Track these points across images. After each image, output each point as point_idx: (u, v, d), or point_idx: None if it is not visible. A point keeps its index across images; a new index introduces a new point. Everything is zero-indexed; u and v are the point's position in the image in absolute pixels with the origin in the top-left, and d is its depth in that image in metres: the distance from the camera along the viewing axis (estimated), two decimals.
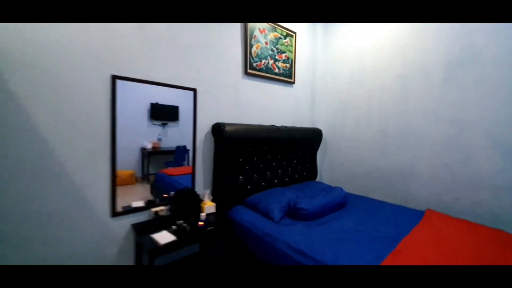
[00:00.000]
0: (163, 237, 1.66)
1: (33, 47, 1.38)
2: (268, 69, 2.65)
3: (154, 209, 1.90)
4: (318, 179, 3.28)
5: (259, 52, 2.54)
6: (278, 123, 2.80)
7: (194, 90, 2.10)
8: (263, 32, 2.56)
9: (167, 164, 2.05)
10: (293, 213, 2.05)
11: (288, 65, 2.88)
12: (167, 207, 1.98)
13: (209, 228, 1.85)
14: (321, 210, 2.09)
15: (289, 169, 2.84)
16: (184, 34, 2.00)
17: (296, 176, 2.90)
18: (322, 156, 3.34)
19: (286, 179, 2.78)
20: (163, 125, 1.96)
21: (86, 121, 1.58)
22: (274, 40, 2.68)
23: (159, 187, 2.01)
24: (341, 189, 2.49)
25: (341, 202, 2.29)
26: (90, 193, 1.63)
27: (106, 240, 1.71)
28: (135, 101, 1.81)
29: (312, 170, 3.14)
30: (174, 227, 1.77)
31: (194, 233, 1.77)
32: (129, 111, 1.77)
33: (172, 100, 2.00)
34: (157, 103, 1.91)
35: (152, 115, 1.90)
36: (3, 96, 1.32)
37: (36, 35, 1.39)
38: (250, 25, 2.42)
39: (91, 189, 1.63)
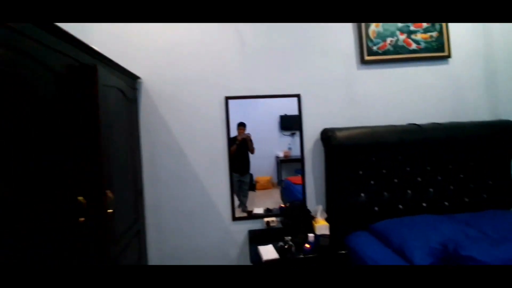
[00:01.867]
0: (267, 252, 1.59)
1: (171, 84, 1.83)
2: (398, 48, 1.94)
3: (266, 219, 1.88)
4: None
5: (381, 30, 1.92)
6: (423, 119, 1.94)
7: (298, 96, 1.92)
8: None
9: (297, 172, 2.04)
10: (453, 262, 1.27)
11: (435, 33, 1.97)
12: (279, 219, 1.88)
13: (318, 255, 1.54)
14: None
15: (451, 187, 1.87)
16: (280, 41, 1.92)
17: (466, 199, 1.86)
18: None
19: (446, 203, 1.84)
20: (292, 134, 2.00)
21: (208, 136, 1.87)
22: None
23: (286, 194, 2.07)
24: None
25: None
26: (215, 197, 1.88)
27: (228, 242, 1.90)
28: (269, 114, 1.98)
29: (501, 190, 1.90)
30: (281, 243, 1.64)
31: (298, 255, 1.54)
32: (263, 124, 1.99)
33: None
34: (285, 115, 1.99)
35: (282, 126, 2.00)
36: (159, 120, 1.82)
37: (175, 74, 1.83)
38: None
39: (215, 193, 1.88)
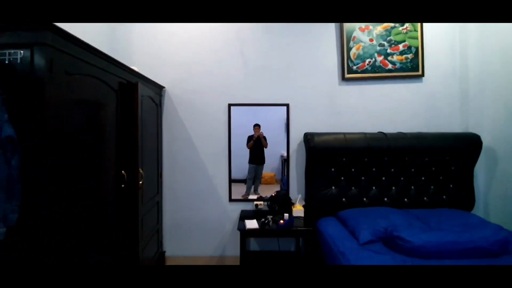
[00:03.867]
0: (250, 223, 2.06)
1: (188, 92, 2.38)
2: (375, 68, 2.30)
3: (256, 202, 2.36)
4: (475, 210, 2.21)
5: (361, 53, 2.29)
6: (397, 129, 2.29)
7: (287, 105, 2.36)
8: (366, 30, 2.28)
9: None
10: (390, 242, 1.65)
11: (410, 55, 2.30)
12: (266, 203, 2.34)
13: (293, 229, 2.01)
14: (438, 249, 1.51)
15: (412, 187, 2.21)
16: (275, 61, 2.37)
17: (425, 198, 2.19)
18: (488, 178, 2.22)
19: (406, 199, 2.19)
20: (287, 132, 2.37)
21: (214, 134, 2.39)
22: (384, 33, 2.28)
23: (282, 187, 2.47)
24: (499, 228, 1.61)
25: (486, 248, 1.48)
26: (217, 182, 2.41)
27: (225, 217, 2.41)
28: (277, 117, 2.38)
29: (461, 194, 2.19)
30: (263, 219, 2.09)
31: (273, 228, 2.00)
32: (271, 126, 2.39)
33: None
34: (286, 117, 2.38)
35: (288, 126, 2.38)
36: (177, 120, 2.38)
37: (190, 85, 2.37)
38: (347, 26, 2.27)
39: (217, 179, 2.41)
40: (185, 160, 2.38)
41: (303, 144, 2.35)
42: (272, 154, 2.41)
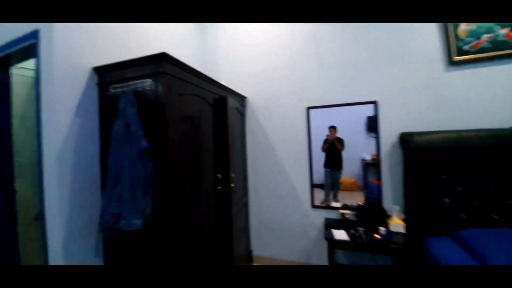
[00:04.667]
0: (339, 234, 1.93)
1: (267, 99, 2.48)
2: (496, 44, 1.78)
3: (342, 211, 2.21)
4: None
5: (473, 29, 1.82)
6: None
7: (374, 103, 2.12)
8: None
9: None
10: None
11: None
12: (354, 212, 2.16)
13: (392, 246, 1.74)
14: None
15: None
16: (354, 54, 2.18)
17: None
18: None
19: None
20: (376, 133, 2.08)
21: (293, 139, 2.39)
22: None
23: (367, 195, 2.19)
24: None
25: None
26: (298, 187, 2.39)
27: (307, 223, 2.36)
28: (355, 116, 2.14)
29: None
30: (352, 231, 1.93)
31: (368, 243, 1.79)
32: (349, 126, 2.16)
33: None
34: (374, 115, 2.08)
35: (369, 127, 2.09)
36: (258, 127, 2.51)
37: (268, 92, 2.47)
38: None
39: (298, 183, 2.38)
40: (268, 164, 2.48)
41: (397, 146, 2.05)
42: (352, 158, 2.18)
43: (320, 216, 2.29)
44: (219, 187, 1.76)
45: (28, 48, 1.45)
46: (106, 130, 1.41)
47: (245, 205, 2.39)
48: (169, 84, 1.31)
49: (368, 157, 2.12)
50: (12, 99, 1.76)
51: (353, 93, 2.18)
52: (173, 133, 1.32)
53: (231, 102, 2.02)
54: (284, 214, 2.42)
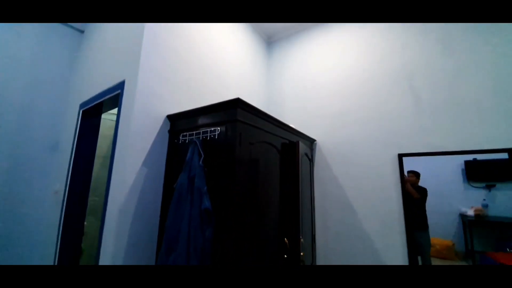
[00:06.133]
0: None
1: (341, 144, 2.10)
2: None
3: None
4: None
5: None
6: None
7: (510, 151, 1.51)
8: None
9: (501, 244, 1.45)
10: None
11: None
12: None
13: None
14: None
15: None
16: (467, 91, 1.66)
17: None
18: None
19: None
20: (488, 187, 1.55)
21: (379, 193, 1.87)
22: None
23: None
24: None
25: None
26: (388, 261, 1.78)
27: None
28: (447, 159, 1.65)
29: None
30: None
31: None
32: (438, 172, 1.68)
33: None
34: (474, 159, 1.59)
35: (469, 175, 1.61)
36: (330, 175, 2.10)
37: (344, 136, 2.10)
38: None
39: (388, 255, 1.78)
40: (340, 223, 2.00)
41: None
42: (442, 210, 1.59)
43: None
44: (285, 256, 1.40)
45: (116, 97, 1.55)
46: (170, 183, 1.30)
47: None
48: (240, 133, 1.13)
49: (470, 212, 1.53)
50: (99, 141, 1.91)
51: (465, 138, 1.62)
52: (239, 189, 1.10)
53: (302, 148, 1.75)
54: None
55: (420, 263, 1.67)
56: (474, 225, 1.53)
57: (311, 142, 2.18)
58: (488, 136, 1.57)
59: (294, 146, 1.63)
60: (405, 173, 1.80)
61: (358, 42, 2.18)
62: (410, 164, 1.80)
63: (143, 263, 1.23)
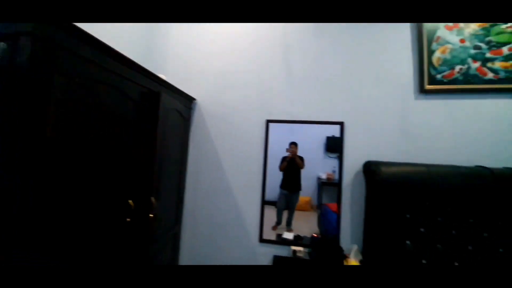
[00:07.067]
0: None
1: (220, 105, 2.05)
2: (469, 78, 1.68)
3: (293, 248, 1.84)
4: None
5: (448, 57, 1.71)
6: (497, 163, 1.60)
7: (341, 124, 1.85)
8: (455, 28, 1.71)
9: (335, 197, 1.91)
10: None
11: None
12: (307, 250, 1.82)
13: None
14: None
15: None
16: (328, 69, 1.91)
17: None
18: None
19: None
20: (338, 157, 1.89)
21: (246, 156, 1.97)
22: (480, 32, 1.68)
23: (323, 221, 1.94)
24: None
25: None
26: (245, 215, 1.95)
27: (252, 263, 1.92)
28: (315, 134, 1.92)
29: None
30: None
31: None
32: (309, 144, 1.93)
33: None
34: (333, 136, 1.91)
35: (328, 147, 1.93)
36: (205, 137, 2.04)
37: (224, 97, 2.05)
38: (428, 25, 1.73)
39: (246, 211, 1.96)
40: (210, 184, 2.00)
41: (360, 175, 1.80)
42: (308, 175, 1.94)
43: (269, 253, 1.88)
44: (128, 220, 1.21)
45: None
46: None
47: (174, 237, 1.85)
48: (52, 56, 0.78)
49: (324, 176, 1.93)
50: None
51: (320, 110, 1.89)
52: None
53: (170, 102, 1.53)
54: (224, 249, 1.95)
55: (287, 215, 1.97)
56: (324, 185, 1.92)
57: (189, 100, 1.99)
58: (331, 111, 1.88)
59: (156, 96, 1.39)
60: (287, 146, 1.95)
61: None
62: (277, 132, 1.95)
63: None
